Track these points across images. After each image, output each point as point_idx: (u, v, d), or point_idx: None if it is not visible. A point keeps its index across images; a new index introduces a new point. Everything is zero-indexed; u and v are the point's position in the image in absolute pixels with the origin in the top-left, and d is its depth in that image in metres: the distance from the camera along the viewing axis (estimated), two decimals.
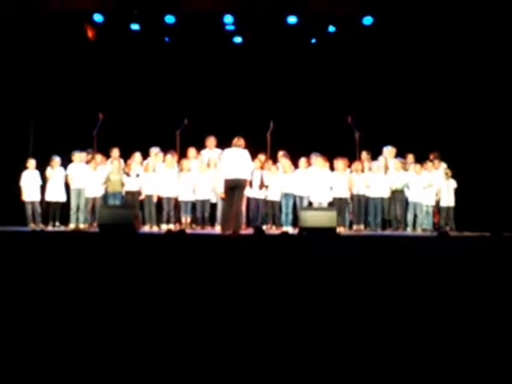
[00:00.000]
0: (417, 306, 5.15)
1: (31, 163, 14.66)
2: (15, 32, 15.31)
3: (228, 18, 15.93)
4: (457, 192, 14.42)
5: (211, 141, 14.85)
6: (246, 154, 12.49)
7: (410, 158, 14.79)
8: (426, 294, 5.57)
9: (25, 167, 14.62)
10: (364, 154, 14.78)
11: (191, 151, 14.75)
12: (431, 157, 14.74)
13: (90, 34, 16.28)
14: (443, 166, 14.62)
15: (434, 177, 14.40)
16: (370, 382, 3.45)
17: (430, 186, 14.30)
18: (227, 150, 12.66)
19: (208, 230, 14.09)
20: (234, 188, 12.39)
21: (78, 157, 14.65)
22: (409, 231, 14.33)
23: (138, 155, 14.73)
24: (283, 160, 14.61)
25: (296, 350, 3.97)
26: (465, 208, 14.27)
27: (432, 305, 5.20)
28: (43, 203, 14.66)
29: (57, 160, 14.65)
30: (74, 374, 3.50)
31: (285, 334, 4.28)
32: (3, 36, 15.19)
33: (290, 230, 13.74)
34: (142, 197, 14.48)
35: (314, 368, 3.66)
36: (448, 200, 14.32)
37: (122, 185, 14.42)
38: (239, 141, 12.53)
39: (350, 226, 14.59)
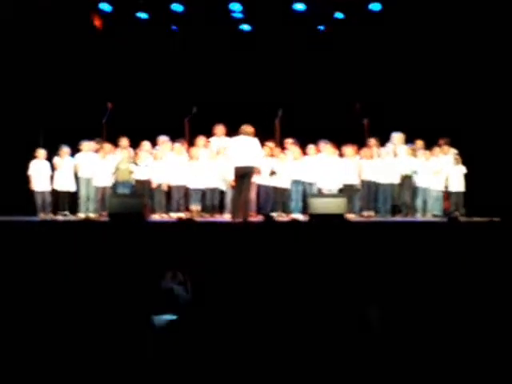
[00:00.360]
0: (427, 291, 5.14)
1: (40, 153, 14.65)
2: (22, 22, 15.29)
3: (235, 6, 15.90)
4: (466, 177, 14.36)
5: (220, 129, 14.81)
6: (255, 141, 12.49)
7: (419, 143, 14.75)
8: (436, 280, 5.57)
9: (34, 157, 14.63)
10: (372, 141, 14.71)
11: (200, 139, 14.73)
12: (440, 142, 14.69)
13: (96, 22, 16.28)
14: (452, 151, 14.57)
15: (442, 162, 14.36)
16: (384, 363, 3.46)
17: (438, 172, 14.27)
18: (236, 138, 12.64)
19: (217, 218, 14.09)
20: (243, 175, 12.40)
21: (87, 146, 14.67)
22: (419, 217, 14.30)
23: (146, 144, 14.72)
24: (292, 147, 14.59)
25: (305, 335, 3.98)
26: (475, 193, 14.22)
27: (442, 290, 5.20)
28: (53, 192, 14.68)
29: (65, 149, 14.66)
30: (86, 362, 3.52)
31: (294, 320, 4.28)
32: (11, 27, 15.18)
33: (299, 217, 13.72)
34: (154, 185, 14.47)
35: (322, 355, 3.67)
36: (458, 185, 14.28)
37: (131, 174, 14.41)
38: (247, 128, 12.49)
39: (360, 213, 14.57)
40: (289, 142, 14.77)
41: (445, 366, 3.54)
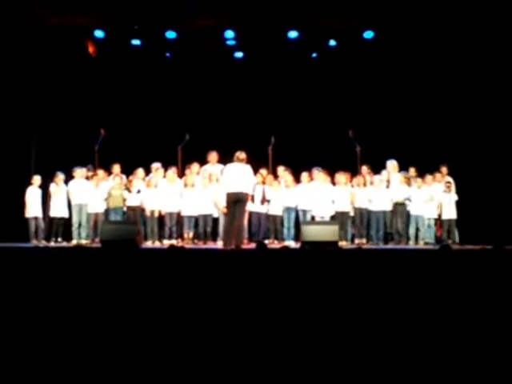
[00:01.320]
0: (419, 319, 5.14)
1: (36, 179, 14.70)
2: (16, 48, 15.34)
3: (229, 33, 15.97)
4: (459, 205, 14.38)
5: (213, 156, 14.88)
6: (248, 168, 12.51)
7: (412, 171, 14.80)
8: (428, 308, 5.56)
9: (29, 183, 14.64)
10: (364, 169, 14.78)
11: (194, 167, 14.78)
12: (441, 169, 14.71)
13: (90, 49, 16.34)
14: (445, 179, 14.59)
15: (434, 190, 14.39)
16: None
17: (431, 200, 14.29)
18: (230, 165, 12.67)
19: (210, 245, 14.08)
20: (235, 202, 12.39)
21: (79, 173, 14.69)
22: (411, 245, 14.30)
23: (140, 171, 14.75)
24: (285, 174, 14.63)
25: (298, 364, 3.97)
26: (467, 221, 14.24)
27: (434, 318, 5.19)
28: (46, 219, 14.67)
29: (61, 176, 14.70)
30: None
31: (287, 348, 4.27)
32: (5, 52, 15.22)
33: (292, 244, 13.73)
34: (147, 213, 14.46)
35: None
36: (450, 213, 14.28)
37: (124, 200, 14.42)
38: (241, 155, 12.51)
39: (352, 240, 14.57)
40: (281, 169, 14.80)
41: None
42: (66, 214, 14.77)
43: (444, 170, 14.80)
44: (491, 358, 4.13)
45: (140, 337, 4.63)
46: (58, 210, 14.69)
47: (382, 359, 4.12)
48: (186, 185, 14.53)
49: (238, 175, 12.36)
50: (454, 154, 14.82)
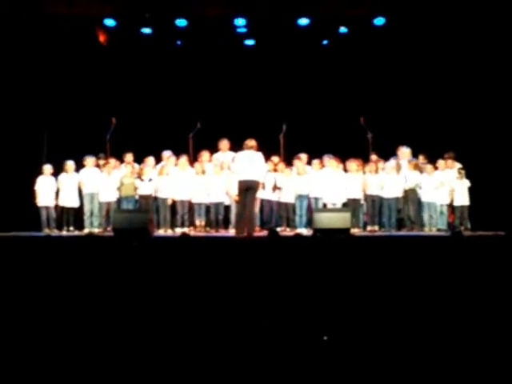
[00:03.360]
0: (430, 306, 5.13)
1: (46, 169, 14.70)
2: (27, 37, 15.35)
3: (239, 21, 15.92)
4: (472, 191, 14.31)
5: (224, 143, 14.86)
6: (259, 155, 12.51)
7: (421, 158, 14.75)
8: (440, 293, 5.56)
9: (40, 173, 14.67)
10: (374, 156, 14.74)
11: (205, 155, 14.77)
12: (446, 157, 14.63)
13: (101, 38, 16.31)
14: (457, 165, 14.52)
15: (446, 176, 14.33)
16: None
17: (441, 186, 14.23)
18: (240, 153, 12.68)
19: (222, 233, 14.08)
20: (247, 189, 12.41)
21: (90, 161, 14.70)
22: (425, 231, 14.26)
23: (151, 159, 14.75)
24: (297, 162, 14.59)
25: (310, 349, 3.98)
26: (480, 207, 14.18)
27: (446, 304, 5.19)
28: (57, 208, 14.70)
29: (71, 165, 14.69)
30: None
31: (298, 334, 4.28)
32: (16, 42, 15.24)
33: (304, 231, 13.70)
34: (159, 201, 14.47)
35: (322, 369, 3.67)
36: (462, 199, 14.20)
37: (135, 189, 14.43)
38: (250, 142, 12.53)
39: (365, 227, 14.55)
40: (301, 157, 14.75)
41: (446, 380, 3.54)
42: (76, 204, 14.73)
43: (447, 157, 14.66)
44: (502, 342, 4.12)
45: (153, 323, 4.65)
46: (67, 200, 14.68)
47: (394, 345, 4.12)
48: (197, 172, 14.53)
49: (249, 163, 12.36)
50: (466, 140, 14.74)
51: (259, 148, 12.62)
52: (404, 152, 14.79)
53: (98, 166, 14.82)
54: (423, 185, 14.37)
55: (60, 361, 3.90)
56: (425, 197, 14.40)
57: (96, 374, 3.69)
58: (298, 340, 4.23)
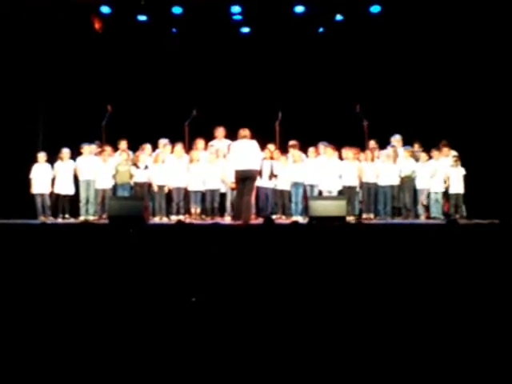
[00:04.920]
0: (425, 295, 5.15)
1: (41, 156, 14.70)
2: (22, 24, 15.31)
3: (235, 8, 15.91)
4: (467, 179, 14.33)
5: (220, 131, 14.86)
6: (254, 144, 12.54)
7: (416, 146, 14.77)
8: (435, 282, 5.57)
9: (35, 160, 14.66)
10: (372, 143, 14.76)
11: (200, 142, 14.76)
12: (441, 145, 14.64)
13: (97, 25, 16.28)
14: (452, 153, 14.53)
15: (441, 164, 14.34)
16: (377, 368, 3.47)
17: (434, 174, 14.24)
18: (236, 142, 12.71)
19: (217, 220, 14.10)
20: (244, 179, 12.45)
21: (87, 149, 14.70)
22: (419, 219, 14.30)
23: (148, 147, 14.76)
24: (293, 150, 14.60)
25: (303, 339, 3.99)
26: (475, 195, 14.19)
27: (440, 292, 5.20)
28: (52, 196, 14.70)
29: (66, 152, 14.69)
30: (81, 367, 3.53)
31: (293, 323, 4.29)
32: (10, 29, 15.20)
33: (299, 219, 13.72)
34: (155, 188, 14.48)
35: (320, 358, 3.68)
36: (457, 187, 14.23)
37: (131, 176, 14.43)
38: (244, 131, 12.62)
39: (360, 215, 14.57)
40: (290, 144, 14.75)
41: (443, 368, 3.55)
42: (71, 191, 14.75)
43: (442, 144, 14.65)
44: (497, 333, 4.14)
45: (147, 311, 4.66)
46: (63, 187, 14.69)
47: (387, 334, 4.13)
48: (191, 160, 14.53)
49: (245, 152, 12.42)
50: (461, 128, 14.74)
51: (255, 136, 12.66)
52: (398, 140, 14.81)
53: (94, 153, 14.81)
54: (418, 173, 14.39)
55: (53, 347, 3.91)
56: (420, 185, 14.43)
57: (92, 363, 3.69)
58: (293, 327, 4.24)
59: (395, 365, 3.66)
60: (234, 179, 12.93)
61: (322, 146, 14.57)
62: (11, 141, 15.19)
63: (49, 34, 15.71)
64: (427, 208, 14.52)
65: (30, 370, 3.53)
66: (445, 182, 14.34)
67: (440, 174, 14.29)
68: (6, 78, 15.30)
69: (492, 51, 14.85)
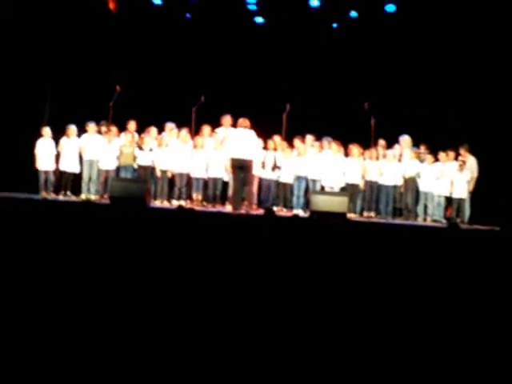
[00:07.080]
0: (422, 295, 5.15)
1: (46, 131, 14.66)
2: (35, 2, 15.30)
3: None
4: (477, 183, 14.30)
5: (227, 119, 14.78)
6: (252, 133, 12.59)
7: (423, 148, 14.73)
8: (432, 284, 5.57)
9: (40, 135, 14.64)
10: (381, 142, 14.73)
11: (206, 129, 14.73)
12: (461, 149, 14.54)
13: (111, 5, 16.25)
14: (470, 158, 14.43)
15: (447, 168, 14.31)
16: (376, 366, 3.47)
17: (442, 176, 14.21)
18: (234, 130, 12.77)
19: (219, 208, 14.09)
20: (241, 167, 12.48)
21: (92, 128, 14.65)
22: (419, 221, 14.29)
23: (154, 129, 14.72)
24: (298, 143, 14.59)
25: (302, 332, 3.98)
26: (481, 201, 14.17)
27: (438, 295, 5.20)
28: (57, 172, 14.69)
29: (73, 129, 14.66)
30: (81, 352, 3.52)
31: (292, 317, 4.29)
32: (23, 6, 15.18)
33: (300, 212, 13.72)
34: (158, 172, 14.46)
35: (320, 353, 3.67)
36: (460, 192, 14.21)
37: (134, 158, 14.41)
38: (245, 122, 12.70)
39: (361, 213, 14.56)
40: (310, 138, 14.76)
41: (443, 368, 3.55)
42: (76, 169, 14.71)
43: (463, 151, 14.60)
44: (497, 336, 4.14)
45: (145, 293, 4.65)
46: (68, 164, 14.64)
47: (385, 332, 4.13)
48: (195, 146, 14.51)
49: (242, 141, 12.48)
50: (468, 133, 14.71)
51: (262, 126, 12.68)
52: (406, 141, 14.77)
53: (99, 132, 14.79)
54: (422, 174, 14.37)
55: (49, 329, 3.90)
56: (422, 186, 14.40)
57: (88, 345, 3.68)
58: (291, 322, 4.24)
59: (394, 362, 3.66)
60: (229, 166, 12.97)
61: (325, 141, 14.55)
62: (18, 114, 15.16)
63: (63, 12, 15.68)
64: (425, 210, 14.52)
65: (25, 353, 3.52)
66: (450, 186, 14.25)
67: (445, 178, 14.24)
68: (16, 52, 15.28)
69: (505, 53, 14.79)
